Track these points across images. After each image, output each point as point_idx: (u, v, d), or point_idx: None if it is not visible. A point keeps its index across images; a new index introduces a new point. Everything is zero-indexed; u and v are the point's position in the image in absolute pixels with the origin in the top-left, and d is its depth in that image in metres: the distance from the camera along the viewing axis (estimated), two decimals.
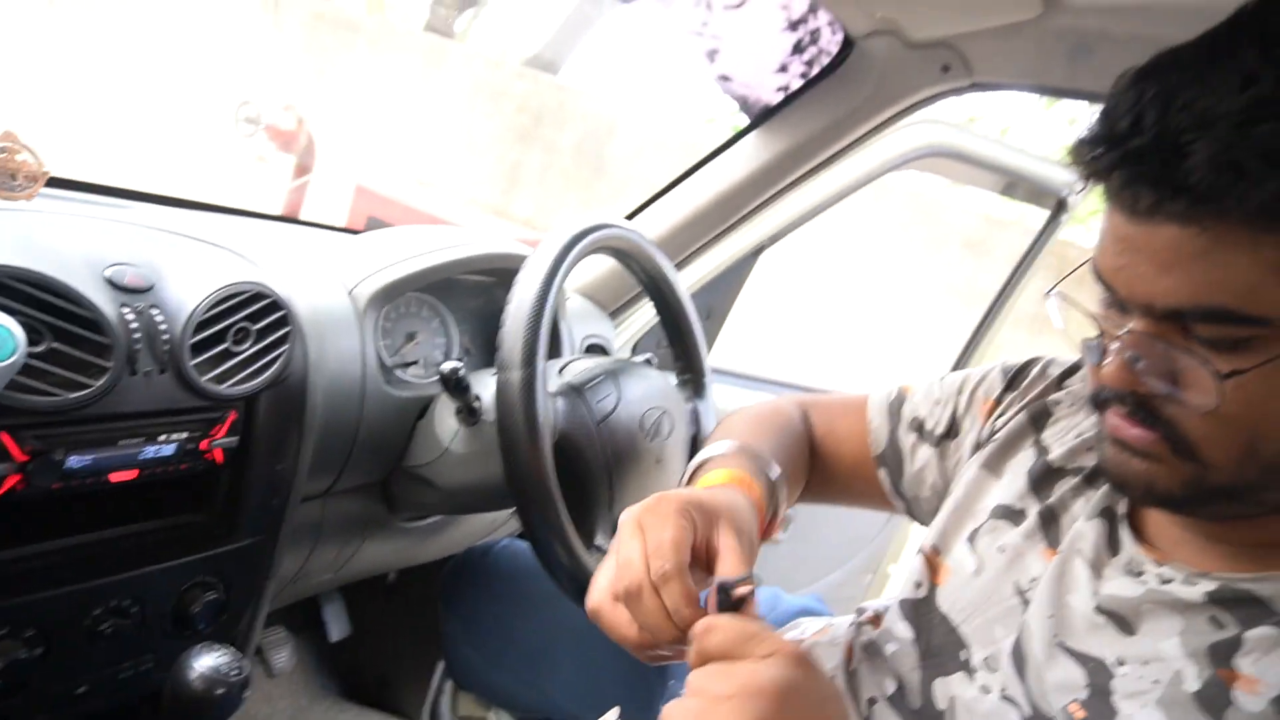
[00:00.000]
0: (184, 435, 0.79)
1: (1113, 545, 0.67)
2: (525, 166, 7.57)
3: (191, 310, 0.77)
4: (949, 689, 0.71)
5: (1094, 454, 0.73)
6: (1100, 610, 0.64)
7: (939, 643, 0.73)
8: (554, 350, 1.27)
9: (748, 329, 2.40)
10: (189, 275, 0.80)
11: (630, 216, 1.49)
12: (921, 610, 0.77)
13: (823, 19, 1.19)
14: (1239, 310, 0.50)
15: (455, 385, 0.97)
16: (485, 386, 1.01)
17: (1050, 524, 0.72)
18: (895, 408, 0.90)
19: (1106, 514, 0.69)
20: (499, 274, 1.20)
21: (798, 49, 1.27)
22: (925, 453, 0.86)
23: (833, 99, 1.29)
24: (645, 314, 1.50)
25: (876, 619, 0.84)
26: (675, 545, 0.59)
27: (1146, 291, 0.53)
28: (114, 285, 0.74)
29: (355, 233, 1.29)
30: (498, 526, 1.35)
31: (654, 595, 0.59)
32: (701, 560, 0.63)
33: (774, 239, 1.52)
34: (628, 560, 0.61)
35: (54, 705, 0.78)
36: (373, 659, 1.62)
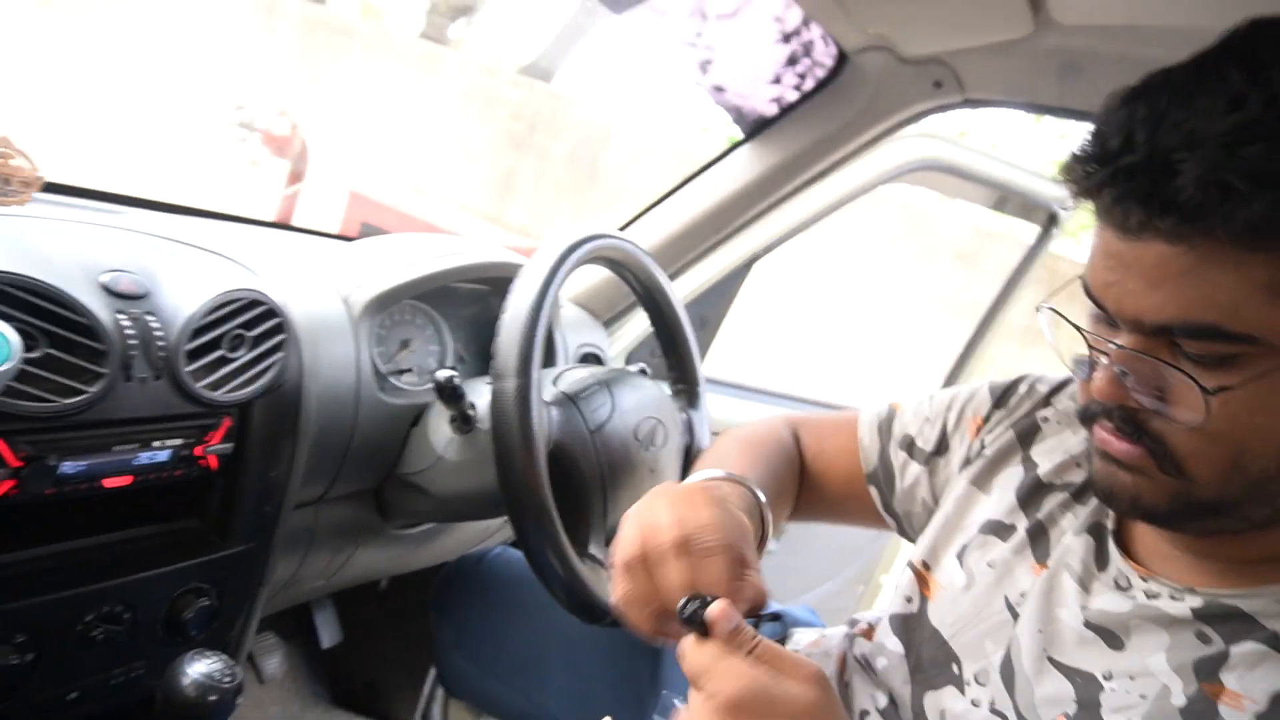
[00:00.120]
0: (178, 441, 0.79)
1: (1101, 560, 0.68)
2: (519, 174, 7.58)
3: (187, 317, 0.77)
4: (939, 703, 0.71)
5: (1082, 470, 0.74)
6: (1089, 625, 0.65)
7: (929, 657, 0.74)
8: (548, 359, 1.27)
9: (741, 339, 2.41)
10: (185, 282, 0.80)
11: (624, 227, 1.49)
12: (912, 625, 0.77)
13: (816, 32, 1.20)
14: (1226, 327, 0.51)
15: (450, 393, 0.97)
16: (479, 395, 1.01)
17: (1039, 539, 0.72)
18: (885, 426, 0.91)
19: (1095, 529, 0.70)
20: (494, 283, 1.20)
21: (791, 61, 1.28)
22: (915, 470, 0.87)
23: (826, 113, 1.30)
24: (639, 324, 1.50)
25: (869, 631, 0.84)
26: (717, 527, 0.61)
27: (1135, 307, 0.54)
28: (109, 291, 0.74)
29: (349, 239, 1.29)
30: (491, 534, 1.35)
31: (677, 560, 0.60)
32: None
33: (767, 250, 1.53)
34: (654, 524, 0.61)
35: (45, 711, 0.78)
36: (364, 666, 1.62)
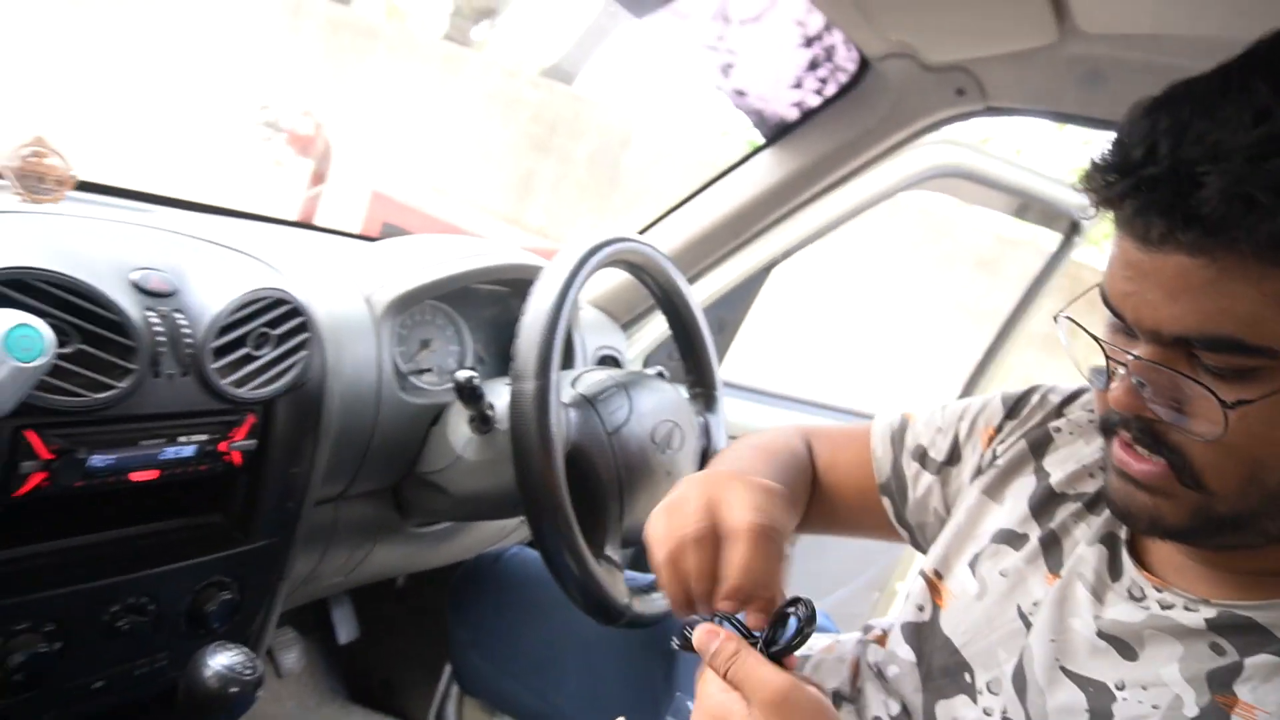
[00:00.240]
0: (204, 437, 0.80)
1: (1114, 570, 0.68)
2: (539, 176, 7.60)
3: (214, 315, 0.79)
4: (951, 711, 0.71)
5: (1095, 480, 0.73)
6: (1102, 635, 0.64)
7: (941, 665, 0.74)
8: (567, 361, 1.28)
9: (759, 344, 2.40)
10: (212, 280, 0.82)
11: (644, 230, 1.50)
12: (924, 634, 0.77)
13: (838, 36, 1.20)
14: (1245, 340, 0.50)
15: (469, 394, 0.98)
16: (498, 395, 1.02)
17: (1052, 549, 0.72)
18: (898, 436, 0.90)
19: (1108, 539, 0.69)
20: (514, 284, 1.21)
21: (813, 65, 1.28)
22: (927, 480, 0.87)
23: (847, 119, 1.30)
24: (658, 327, 1.51)
25: (882, 637, 0.84)
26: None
27: (1154, 318, 0.54)
28: (139, 289, 0.76)
29: (371, 239, 1.31)
30: (508, 534, 1.36)
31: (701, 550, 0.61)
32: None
33: (787, 255, 1.54)
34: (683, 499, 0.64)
35: (70, 700, 0.79)
36: (380, 662, 1.63)
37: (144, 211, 1.02)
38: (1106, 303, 0.58)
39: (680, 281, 1.14)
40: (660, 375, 1.17)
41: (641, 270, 1.11)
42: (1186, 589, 0.63)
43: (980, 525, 0.78)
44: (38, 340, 0.63)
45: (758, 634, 0.59)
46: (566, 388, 1.02)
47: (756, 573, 0.60)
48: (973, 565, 0.76)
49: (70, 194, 0.86)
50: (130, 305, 0.74)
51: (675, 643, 0.60)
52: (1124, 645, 0.63)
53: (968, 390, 2.05)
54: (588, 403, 1.00)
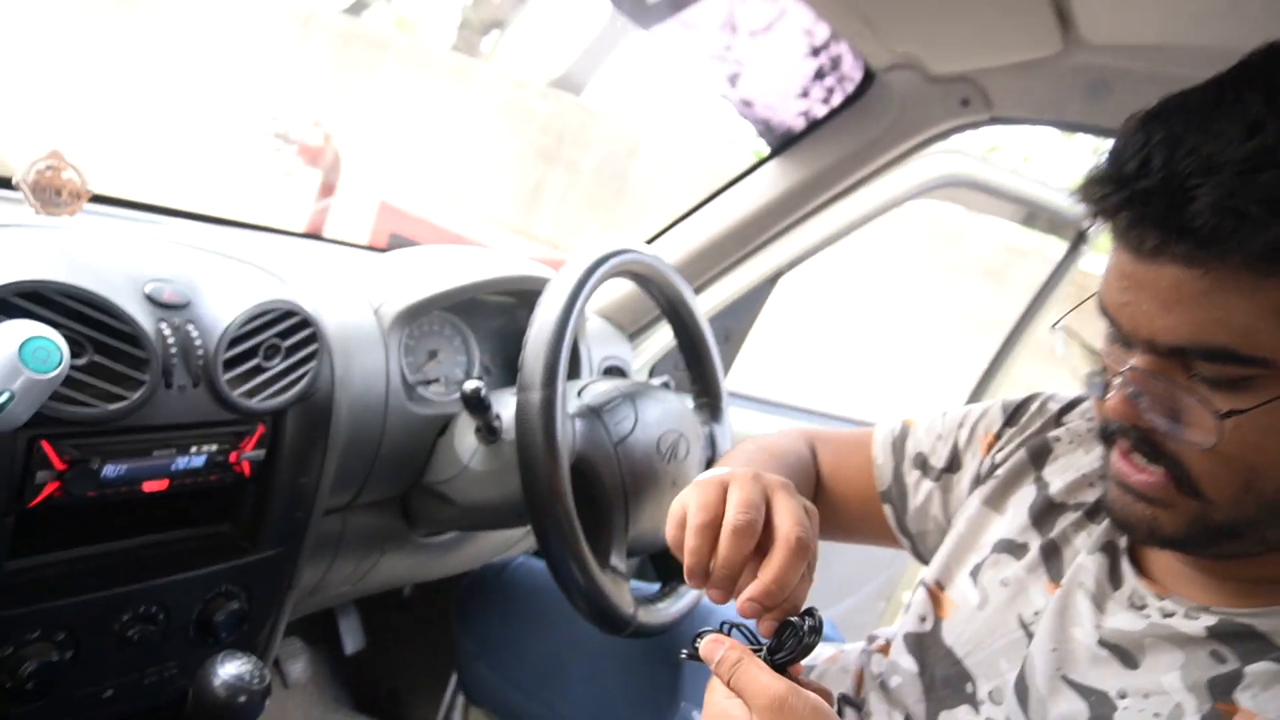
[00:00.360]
0: (214, 447, 0.81)
1: (1115, 579, 0.68)
2: (547, 186, 7.63)
3: (225, 326, 0.80)
4: None
5: (1095, 489, 0.74)
6: (1103, 643, 0.65)
7: (943, 676, 0.74)
8: (573, 371, 1.29)
9: (765, 354, 2.41)
10: (223, 292, 0.83)
11: (651, 240, 1.51)
12: (926, 644, 0.77)
13: (843, 46, 1.21)
14: (1239, 350, 0.51)
15: (476, 404, 0.99)
16: (505, 406, 1.03)
17: (1052, 558, 0.72)
18: (899, 444, 0.91)
19: (1108, 548, 0.70)
20: (521, 295, 1.22)
21: (819, 75, 1.29)
22: (928, 487, 0.87)
23: (853, 129, 1.31)
24: (663, 337, 1.51)
25: (886, 647, 0.84)
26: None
27: (1149, 328, 0.54)
28: (152, 301, 0.77)
29: (379, 250, 1.32)
30: (513, 544, 1.36)
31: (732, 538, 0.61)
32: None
33: (793, 265, 1.54)
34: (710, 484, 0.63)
35: (81, 708, 0.80)
36: (386, 672, 1.64)
37: (157, 224, 1.03)
38: (1103, 312, 0.58)
39: (686, 292, 1.14)
40: (666, 385, 1.18)
41: (647, 281, 1.11)
42: (1187, 597, 0.63)
43: (981, 535, 0.78)
44: (53, 352, 0.64)
45: (764, 642, 0.59)
46: (573, 398, 1.03)
47: (790, 585, 0.60)
48: (974, 575, 0.76)
49: (85, 207, 0.87)
50: (143, 317, 0.75)
51: (685, 653, 0.61)
52: (1125, 654, 0.63)
53: (974, 400, 2.04)
54: (594, 413, 1.00)
